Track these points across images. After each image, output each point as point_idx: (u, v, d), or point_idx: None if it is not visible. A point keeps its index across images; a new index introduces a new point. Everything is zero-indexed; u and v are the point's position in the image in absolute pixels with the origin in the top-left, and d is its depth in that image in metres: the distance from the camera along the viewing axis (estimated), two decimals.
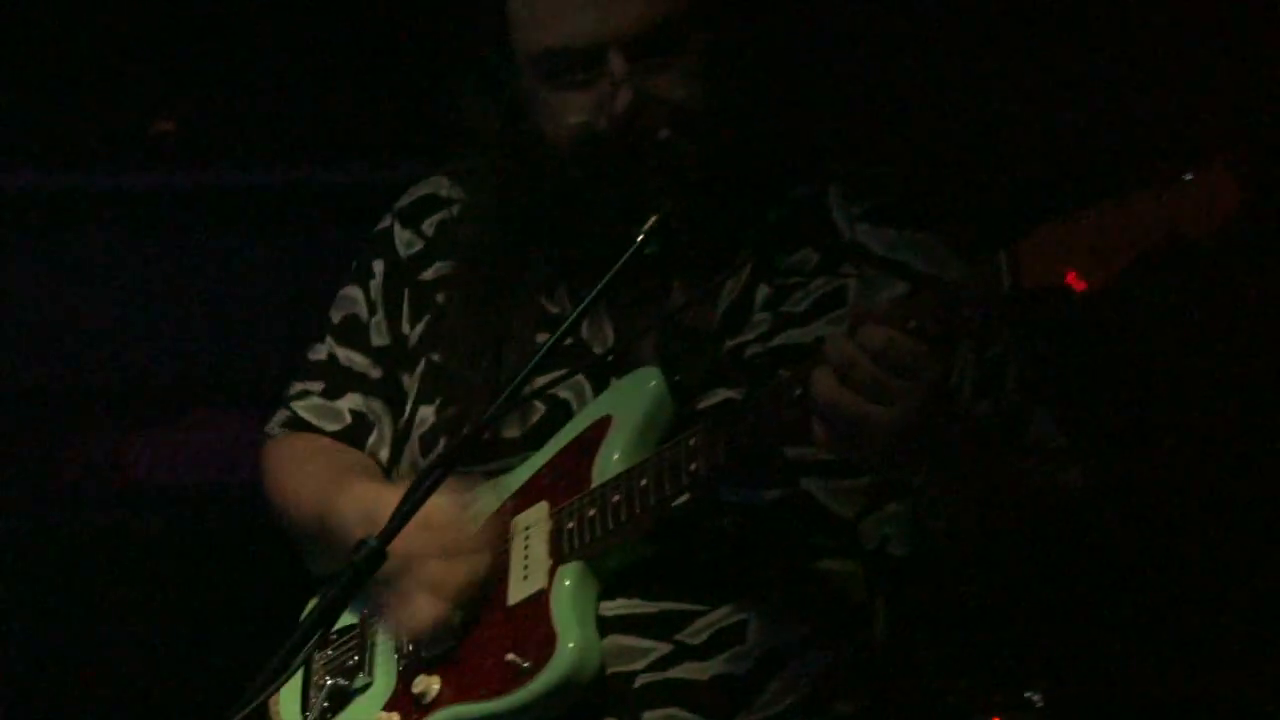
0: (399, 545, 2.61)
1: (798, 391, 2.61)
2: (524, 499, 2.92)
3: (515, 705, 2.76)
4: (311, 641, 2.55)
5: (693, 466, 2.72)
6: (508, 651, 2.78)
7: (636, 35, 2.82)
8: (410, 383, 3.08)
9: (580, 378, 2.93)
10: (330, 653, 3.02)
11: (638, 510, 2.76)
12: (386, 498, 2.82)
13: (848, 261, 2.91)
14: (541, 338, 2.92)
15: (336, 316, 3.17)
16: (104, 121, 4.93)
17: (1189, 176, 2.40)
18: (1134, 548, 4.12)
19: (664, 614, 2.80)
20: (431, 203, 3.15)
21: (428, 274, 3.10)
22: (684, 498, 2.77)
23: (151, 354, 5.02)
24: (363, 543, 2.56)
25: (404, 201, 3.18)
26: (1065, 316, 2.48)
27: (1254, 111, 3.95)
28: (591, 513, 2.80)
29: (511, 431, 2.96)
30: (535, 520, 2.88)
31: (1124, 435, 4.17)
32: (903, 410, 2.51)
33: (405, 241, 3.13)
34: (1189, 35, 4.13)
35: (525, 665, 2.76)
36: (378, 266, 3.15)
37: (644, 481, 2.76)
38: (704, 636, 2.79)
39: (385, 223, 3.18)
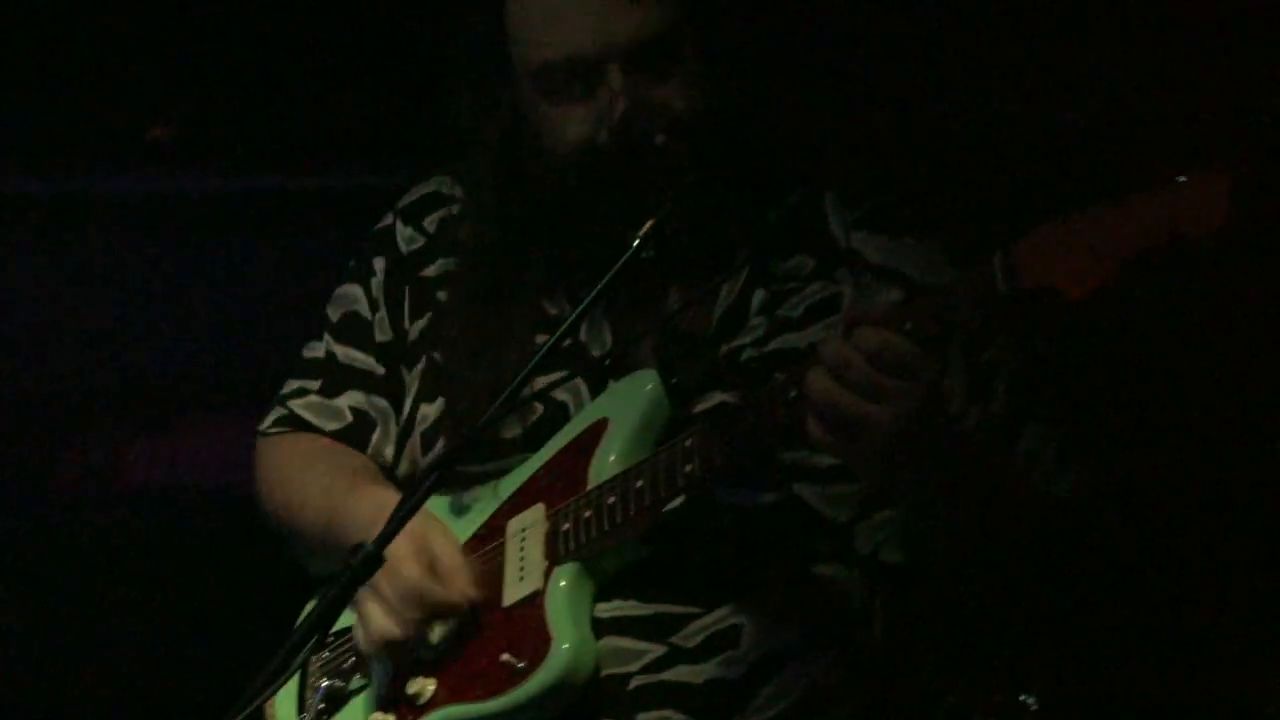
0: (390, 549, 2.61)
1: (793, 394, 2.62)
2: (521, 501, 2.93)
3: (510, 706, 2.77)
4: (309, 645, 2.55)
5: (688, 469, 2.73)
6: (503, 652, 2.80)
7: (635, 48, 2.84)
8: (411, 379, 3.09)
9: (578, 380, 2.95)
10: (327, 654, 3.04)
11: (633, 512, 2.77)
12: (392, 505, 2.84)
13: (843, 267, 2.92)
14: (540, 339, 2.93)
15: (335, 314, 3.18)
16: (103, 125, 4.93)
17: (1184, 179, 2.41)
18: (1127, 553, 4.12)
19: (659, 616, 2.80)
20: (434, 200, 3.17)
21: (429, 271, 3.11)
22: (679, 500, 2.78)
23: (149, 357, 5.02)
24: (360, 546, 2.57)
25: (406, 199, 3.19)
26: (1060, 319, 2.49)
27: (1250, 113, 3.96)
28: (587, 514, 2.81)
29: (510, 432, 2.97)
30: (532, 522, 2.89)
31: (1115, 444, 4.18)
32: (897, 410, 2.52)
33: (407, 238, 3.15)
34: (1186, 36, 4.14)
35: (520, 666, 2.77)
36: (379, 264, 3.16)
37: (640, 483, 2.77)
38: (699, 639, 2.80)
39: (387, 220, 3.19)
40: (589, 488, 2.83)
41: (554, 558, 2.83)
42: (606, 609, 2.81)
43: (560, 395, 2.94)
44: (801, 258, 2.93)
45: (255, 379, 4.78)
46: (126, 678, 4.89)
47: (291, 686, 3.05)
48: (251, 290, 4.96)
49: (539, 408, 2.95)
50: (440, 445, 3.00)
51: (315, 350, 3.18)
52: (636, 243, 2.77)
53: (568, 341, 2.89)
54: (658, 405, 2.86)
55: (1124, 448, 4.22)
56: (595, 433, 2.88)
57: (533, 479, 2.93)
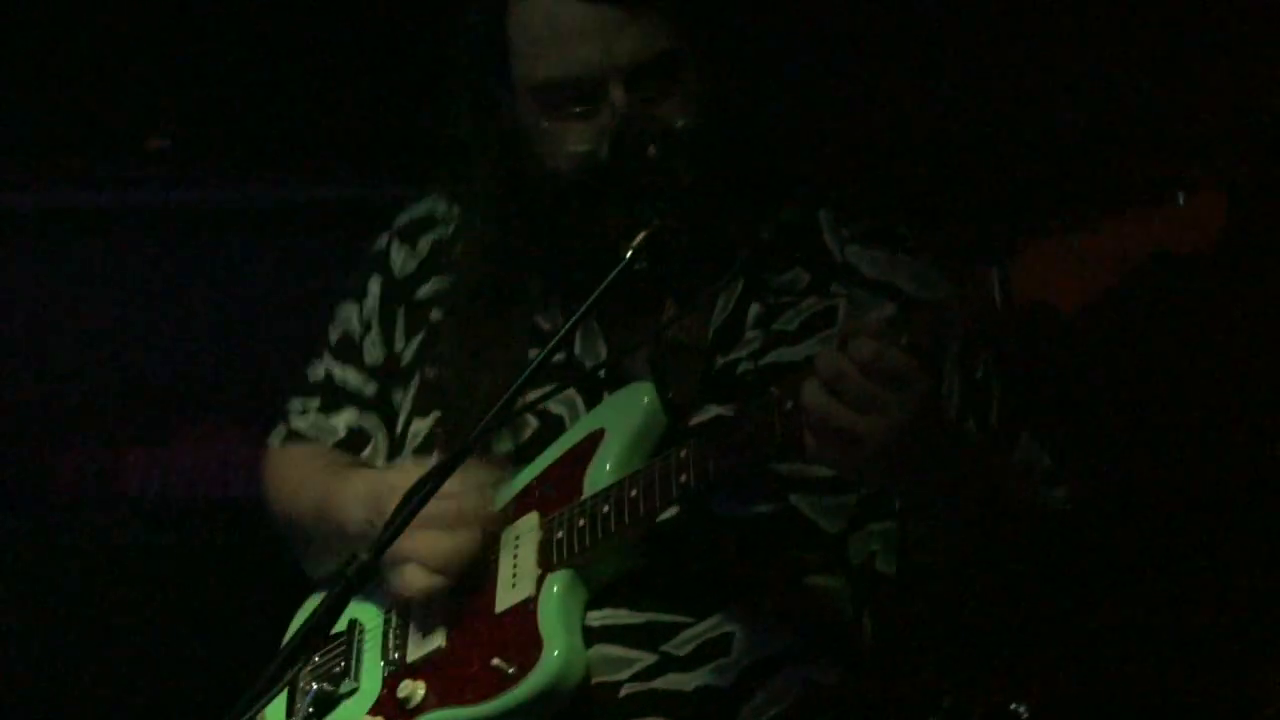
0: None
1: (788, 406, 2.62)
2: (515, 508, 2.94)
3: (499, 710, 2.78)
4: (304, 655, 2.56)
5: (682, 479, 2.73)
6: (494, 657, 2.80)
7: (636, 66, 2.86)
8: (403, 398, 3.11)
9: (573, 392, 2.96)
10: (317, 659, 3.04)
11: (627, 521, 2.78)
12: (390, 480, 2.88)
13: (838, 282, 2.94)
14: (534, 354, 2.95)
15: (333, 335, 3.22)
16: (103, 136, 4.95)
17: (1179, 195, 2.42)
18: (1119, 561, 4.13)
19: (650, 624, 2.82)
20: (427, 222, 3.19)
21: (422, 292, 3.14)
22: (673, 510, 2.79)
23: (147, 365, 5.02)
24: (354, 555, 2.57)
25: (401, 221, 3.22)
26: (1054, 333, 2.50)
27: (1247, 123, 3.98)
28: (581, 523, 2.82)
29: (504, 446, 2.99)
30: (526, 530, 2.90)
31: (1111, 453, 4.19)
32: (892, 422, 2.52)
33: (401, 260, 3.17)
34: (1183, 46, 4.16)
35: (510, 671, 2.78)
36: (373, 285, 3.19)
37: (634, 493, 2.78)
38: (689, 648, 2.81)
39: (382, 242, 3.22)
40: (584, 497, 2.84)
41: (547, 565, 2.84)
42: (598, 617, 2.82)
43: (555, 408, 2.96)
44: (797, 272, 2.95)
45: (252, 387, 4.82)
46: (123, 683, 4.88)
47: (282, 692, 3.05)
48: (249, 299, 4.97)
49: (534, 421, 2.97)
50: (434, 458, 3.02)
51: (316, 369, 3.22)
52: (630, 254, 2.78)
53: (562, 356, 2.91)
54: (654, 417, 2.87)
55: (1119, 457, 4.23)
56: (591, 443, 2.89)
57: (528, 488, 2.94)
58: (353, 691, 2.98)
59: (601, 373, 2.95)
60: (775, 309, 2.93)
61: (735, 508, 2.83)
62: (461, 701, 2.82)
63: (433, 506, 2.72)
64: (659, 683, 2.80)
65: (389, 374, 3.14)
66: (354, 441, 3.15)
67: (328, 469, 3.09)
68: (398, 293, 3.16)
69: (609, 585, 2.83)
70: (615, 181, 2.87)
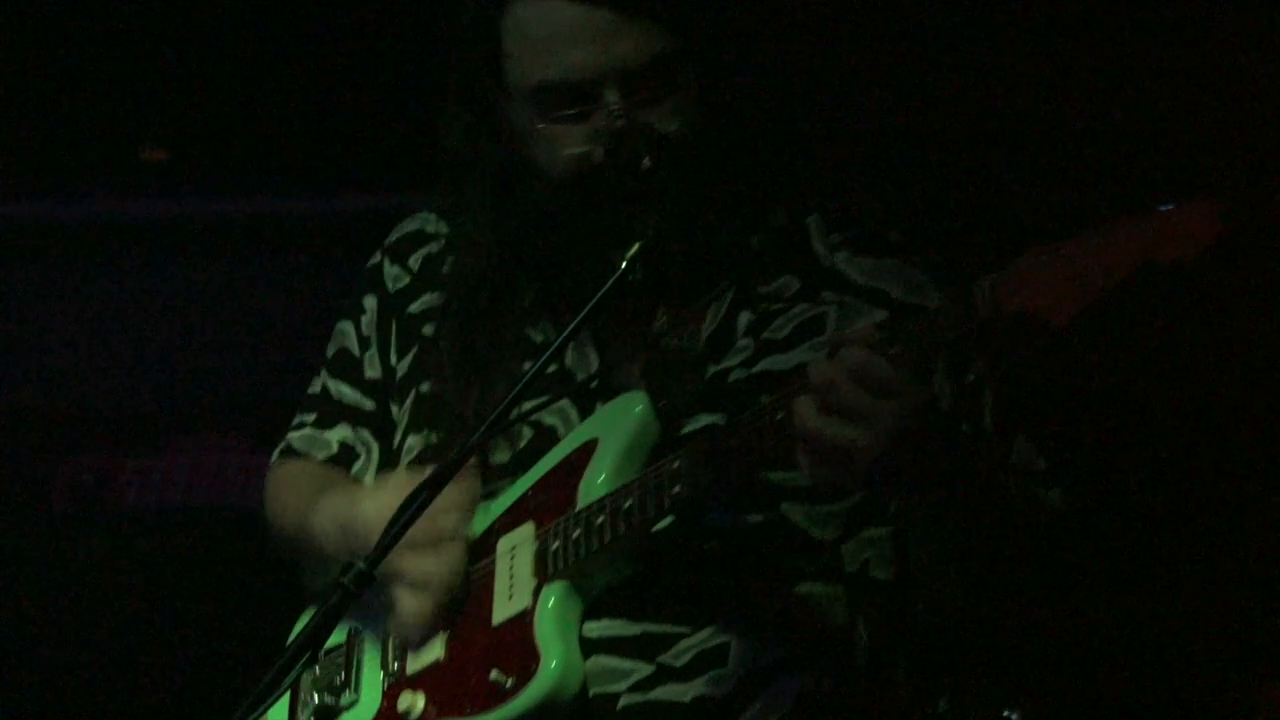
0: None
1: (779, 416, 2.63)
2: (510, 520, 2.95)
3: None
4: (300, 663, 2.56)
5: (676, 489, 2.75)
6: (491, 669, 2.81)
7: (632, 70, 2.87)
8: (400, 414, 3.13)
9: (566, 403, 2.98)
10: (317, 671, 3.06)
11: (621, 531, 2.79)
12: (358, 500, 2.90)
13: (827, 289, 2.94)
14: (527, 366, 2.96)
15: (331, 351, 3.24)
16: (97, 149, 4.95)
17: (1169, 206, 2.43)
18: (1113, 567, 4.14)
19: (646, 635, 2.83)
20: (418, 238, 3.21)
21: (414, 307, 3.15)
22: (667, 520, 2.80)
23: (141, 379, 5.04)
24: (351, 564, 2.58)
25: (392, 238, 3.24)
26: (1045, 343, 2.51)
27: (1234, 137, 3.99)
28: (576, 533, 2.83)
29: (499, 457, 3.00)
30: (521, 540, 2.91)
31: (1105, 458, 4.20)
32: (884, 432, 2.53)
33: (393, 276, 3.19)
34: (1170, 59, 4.17)
35: (508, 683, 2.79)
36: (369, 302, 3.21)
37: (628, 503, 2.79)
38: (686, 658, 2.82)
39: (375, 259, 3.24)
40: (578, 507, 2.85)
41: (543, 576, 2.85)
42: (594, 628, 2.83)
43: (548, 419, 2.97)
44: (786, 279, 2.96)
45: (246, 402, 4.83)
46: (119, 698, 4.90)
47: (282, 703, 3.06)
48: (244, 310, 4.98)
49: (528, 432, 2.98)
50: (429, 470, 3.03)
51: (315, 386, 3.24)
52: (624, 265, 2.79)
53: (554, 366, 2.92)
54: (647, 426, 2.88)
55: (1111, 462, 4.24)
56: (585, 453, 2.90)
57: (523, 498, 2.95)
58: (353, 703, 2.99)
59: (594, 383, 2.96)
60: (766, 316, 2.94)
61: (728, 518, 2.84)
62: (460, 714, 2.83)
63: (413, 529, 2.74)
64: (657, 693, 2.81)
65: (387, 389, 3.16)
66: (345, 456, 3.17)
67: (309, 489, 3.10)
68: (392, 308, 3.18)
69: (605, 596, 2.84)
70: (609, 190, 2.88)
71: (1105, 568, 4.08)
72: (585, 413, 2.96)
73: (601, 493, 2.84)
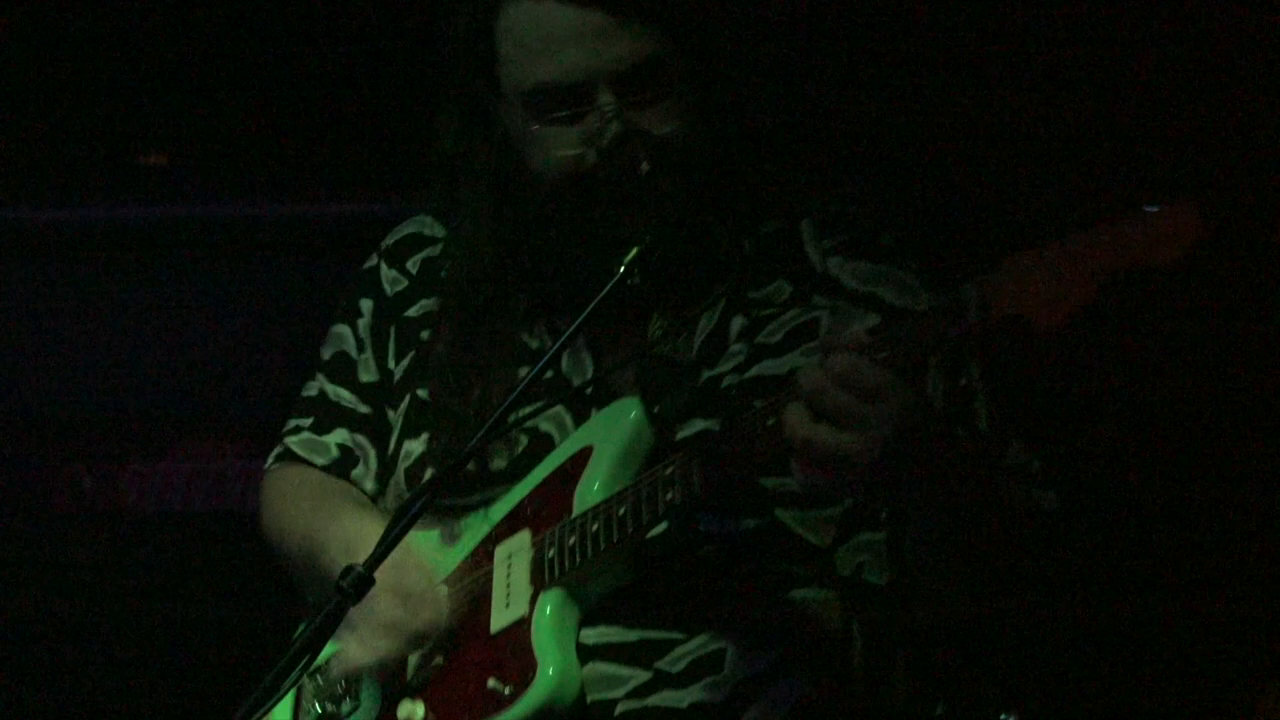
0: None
1: (771, 421, 2.64)
2: (507, 528, 2.96)
3: None
4: (299, 668, 2.58)
5: (670, 496, 2.76)
6: (490, 677, 2.83)
7: (625, 71, 2.87)
8: (396, 418, 3.13)
9: (560, 409, 2.98)
10: (319, 680, 3.06)
11: (616, 538, 2.80)
12: (369, 533, 2.87)
13: (820, 294, 2.95)
14: (522, 372, 2.98)
15: (327, 354, 3.24)
16: (96, 153, 4.96)
17: (1153, 208, 2.44)
18: (1108, 568, 4.15)
19: (643, 642, 2.84)
20: (416, 241, 3.21)
21: (412, 311, 3.16)
22: (662, 527, 2.82)
23: (141, 383, 5.04)
24: (350, 569, 2.60)
25: (389, 240, 3.24)
26: (1034, 346, 2.52)
27: (1218, 140, 3.99)
28: (572, 541, 2.84)
29: (496, 463, 3.01)
30: (518, 548, 2.92)
31: (1100, 458, 4.20)
32: (874, 436, 2.53)
33: (391, 280, 3.20)
34: (1153, 63, 4.17)
35: (507, 691, 2.80)
36: (366, 305, 3.21)
37: (623, 510, 2.80)
38: (682, 665, 2.83)
39: (372, 261, 3.24)
40: (574, 514, 2.87)
41: (540, 583, 2.86)
42: (591, 635, 2.85)
43: (544, 425, 2.98)
44: (779, 284, 2.97)
45: (247, 406, 4.84)
46: (120, 702, 4.91)
47: (285, 712, 3.08)
48: (243, 318, 4.98)
49: (523, 438, 2.99)
50: (427, 477, 3.04)
51: (310, 389, 3.24)
52: (621, 271, 2.80)
53: (549, 372, 2.92)
54: (641, 432, 2.89)
55: (1107, 462, 4.24)
56: (579, 460, 2.91)
57: (519, 506, 2.96)
58: (354, 712, 3.01)
59: (589, 389, 2.97)
60: (759, 321, 2.95)
61: (722, 524, 2.85)
62: None
63: (398, 578, 2.82)
64: (653, 700, 2.82)
65: (383, 393, 3.16)
66: (345, 461, 3.17)
67: (315, 504, 3.11)
68: (389, 312, 3.18)
69: (602, 603, 2.86)
70: (605, 193, 2.89)
71: (1102, 569, 4.09)
72: (580, 418, 2.97)
73: (597, 499, 2.85)
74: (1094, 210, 2.49)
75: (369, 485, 3.16)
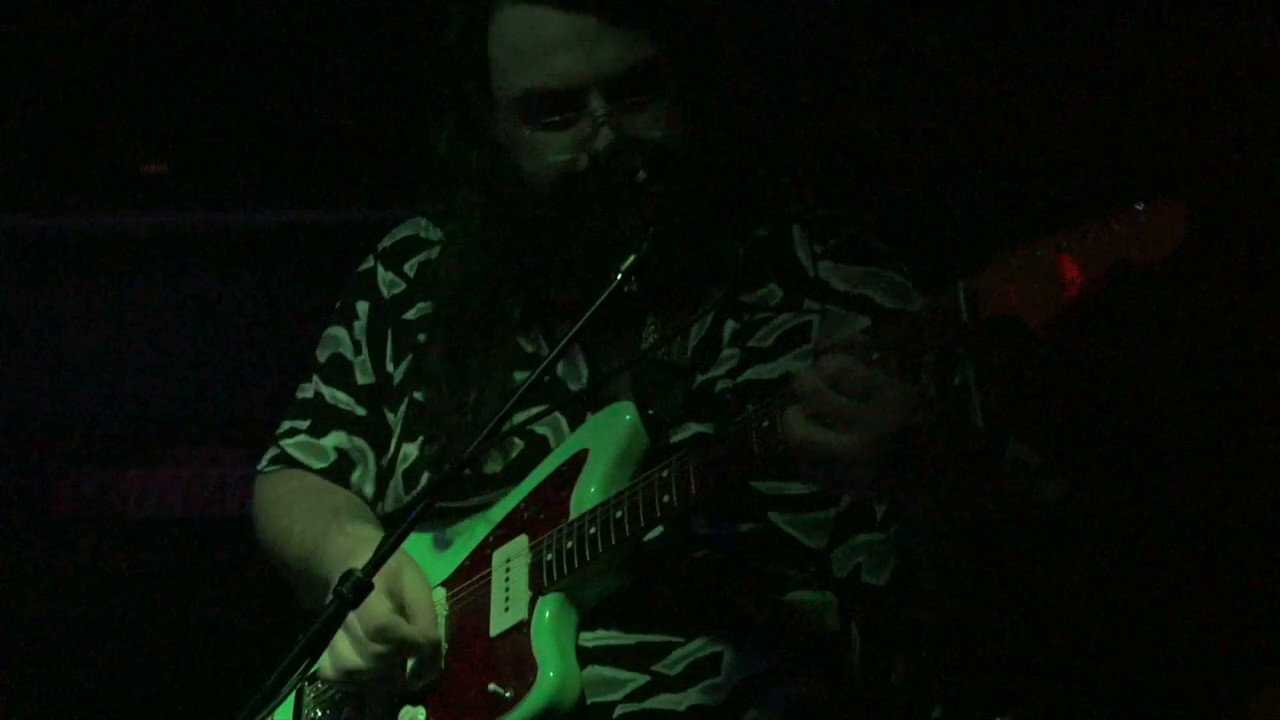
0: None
1: (765, 423, 2.66)
2: (505, 532, 2.97)
3: None
4: (299, 672, 2.59)
5: (665, 499, 2.77)
6: (490, 681, 2.84)
7: (616, 76, 2.89)
8: (394, 420, 3.14)
9: (556, 414, 2.98)
10: (320, 686, 3.07)
11: (614, 542, 2.81)
12: (370, 540, 2.90)
13: (811, 298, 2.96)
14: (518, 376, 2.99)
15: (323, 356, 3.24)
16: (96, 162, 4.97)
17: (1140, 206, 2.45)
18: (1106, 569, 4.15)
19: (641, 645, 2.85)
20: (413, 244, 3.22)
21: (410, 314, 3.17)
22: (658, 530, 2.82)
23: (142, 390, 5.05)
24: (349, 573, 2.61)
25: (386, 243, 3.24)
26: (1024, 344, 2.52)
27: (1206, 140, 4.00)
28: (569, 544, 2.85)
29: (492, 467, 3.02)
30: (516, 553, 2.93)
31: (1096, 456, 4.21)
32: (872, 435, 2.53)
33: (388, 282, 3.20)
34: (1145, 64, 4.18)
35: (507, 695, 2.81)
36: (362, 307, 3.22)
37: (620, 513, 2.81)
38: (680, 668, 2.84)
39: (368, 264, 3.25)
40: (571, 518, 2.88)
41: (538, 588, 2.87)
42: (590, 639, 2.86)
43: (540, 429, 2.99)
44: (771, 288, 2.98)
45: (245, 412, 4.85)
46: (120, 707, 4.92)
47: (286, 715, 3.09)
48: (241, 325, 5.00)
49: (519, 442, 3.00)
50: (424, 480, 3.05)
51: (306, 391, 3.24)
52: (619, 278, 2.80)
53: (546, 378, 2.93)
54: (636, 436, 2.91)
55: (1104, 460, 4.25)
56: (575, 464, 2.92)
57: (515, 511, 2.97)
58: (355, 716, 3.00)
59: (584, 393, 2.97)
60: (751, 326, 2.96)
61: (718, 527, 2.86)
62: None
63: (393, 589, 2.80)
64: (651, 703, 2.83)
65: (380, 396, 3.17)
66: (343, 464, 3.18)
67: (316, 513, 3.11)
68: (386, 315, 3.19)
69: (600, 607, 2.86)
70: (599, 199, 2.90)
71: (1101, 570, 4.09)
72: (575, 422, 2.98)
73: (593, 503, 2.86)
74: (1082, 208, 2.50)
75: (367, 488, 3.16)
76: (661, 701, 2.83)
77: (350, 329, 3.22)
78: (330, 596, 2.62)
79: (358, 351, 3.20)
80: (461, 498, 3.02)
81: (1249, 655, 4.24)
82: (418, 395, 3.11)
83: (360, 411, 3.18)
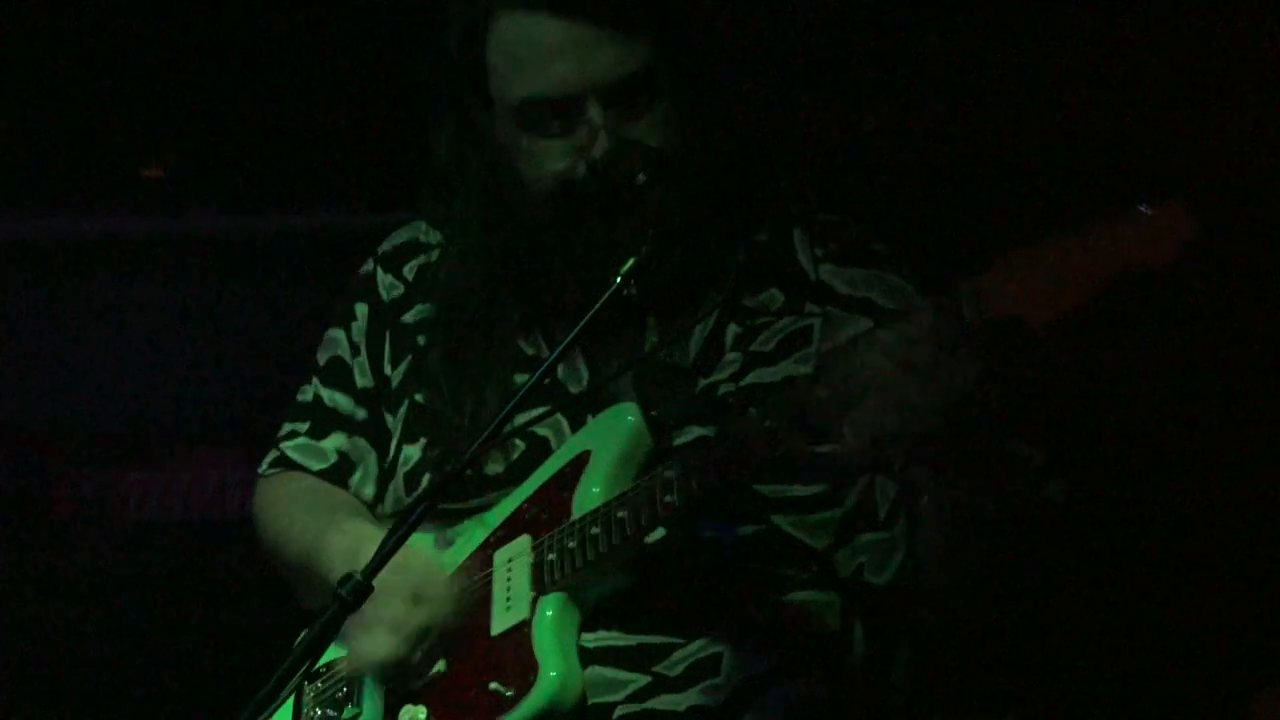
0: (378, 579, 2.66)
1: (768, 424, 2.66)
2: (506, 533, 2.98)
3: None
4: (299, 674, 2.59)
5: (668, 500, 2.77)
6: (491, 681, 2.84)
7: (612, 84, 2.89)
8: (394, 423, 3.14)
9: (558, 415, 2.99)
10: (320, 685, 3.08)
11: (616, 542, 2.82)
12: (370, 538, 2.89)
13: (813, 301, 2.97)
14: (518, 379, 2.99)
15: (322, 359, 3.24)
16: (97, 166, 4.98)
17: (1145, 209, 2.45)
18: (1106, 569, 4.15)
19: (642, 646, 2.85)
20: (412, 248, 3.22)
21: (408, 317, 3.17)
22: (661, 531, 2.83)
23: (142, 393, 5.06)
24: (349, 576, 2.60)
25: (386, 246, 3.25)
26: (1027, 347, 2.52)
27: (1211, 143, 4.00)
28: (571, 545, 2.86)
29: (494, 468, 3.03)
30: (518, 553, 2.93)
31: (1099, 453, 4.21)
32: (947, 393, 2.51)
33: (387, 285, 3.20)
34: (1150, 67, 4.18)
35: (509, 694, 2.81)
36: (360, 309, 3.22)
37: (622, 514, 2.82)
38: (680, 668, 2.84)
39: (368, 267, 3.25)
40: (573, 519, 2.88)
41: (540, 588, 2.87)
42: (590, 639, 2.86)
43: (541, 430, 2.99)
44: (772, 292, 2.98)
45: (244, 415, 4.85)
46: (119, 705, 4.92)
47: (286, 716, 3.09)
48: (241, 328, 5.00)
49: (520, 444, 3.00)
50: (425, 482, 3.05)
51: (305, 394, 3.24)
52: (619, 280, 2.80)
53: (546, 380, 2.93)
54: (639, 437, 2.91)
55: (1107, 461, 4.25)
56: (578, 465, 2.93)
57: (518, 511, 2.98)
58: (356, 717, 3.01)
59: (585, 395, 2.97)
60: (752, 330, 2.97)
61: (720, 528, 2.87)
62: None
63: (402, 579, 2.80)
64: (652, 703, 2.83)
65: (379, 398, 3.17)
66: (343, 466, 3.18)
67: (316, 511, 3.11)
68: (385, 317, 3.20)
69: (600, 607, 2.87)
70: (599, 205, 2.91)
71: (1101, 570, 4.10)
72: (576, 425, 2.98)
73: (596, 504, 2.87)
74: (1088, 211, 2.50)
75: (367, 490, 3.16)
76: (662, 702, 2.83)
77: (349, 331, 3.22)
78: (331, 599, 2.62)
79: (356, 354, 3.21)
80: (463, 499, 3.02)
81: (1249, 655, 4.24)
82: (418, 397, 3.11)
83: (360, 414, 3.18)
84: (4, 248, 5.06)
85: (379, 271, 3.23)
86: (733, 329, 2.97)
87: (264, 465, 3.27)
